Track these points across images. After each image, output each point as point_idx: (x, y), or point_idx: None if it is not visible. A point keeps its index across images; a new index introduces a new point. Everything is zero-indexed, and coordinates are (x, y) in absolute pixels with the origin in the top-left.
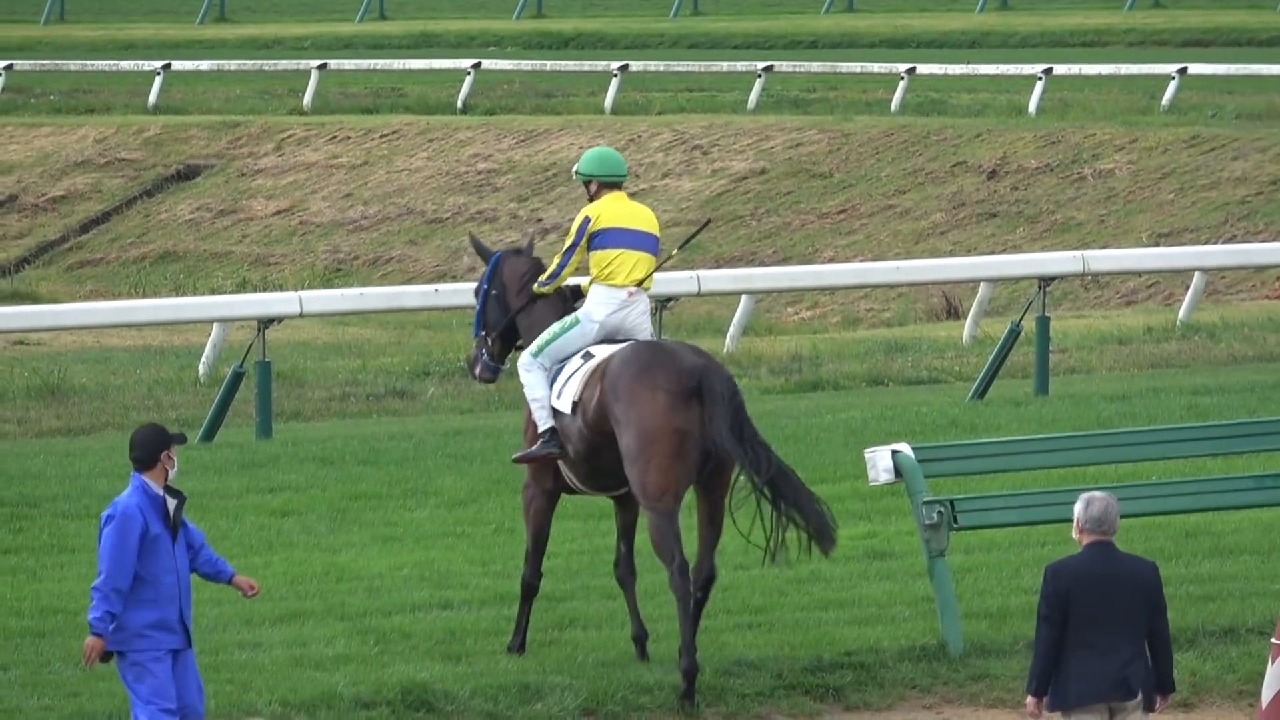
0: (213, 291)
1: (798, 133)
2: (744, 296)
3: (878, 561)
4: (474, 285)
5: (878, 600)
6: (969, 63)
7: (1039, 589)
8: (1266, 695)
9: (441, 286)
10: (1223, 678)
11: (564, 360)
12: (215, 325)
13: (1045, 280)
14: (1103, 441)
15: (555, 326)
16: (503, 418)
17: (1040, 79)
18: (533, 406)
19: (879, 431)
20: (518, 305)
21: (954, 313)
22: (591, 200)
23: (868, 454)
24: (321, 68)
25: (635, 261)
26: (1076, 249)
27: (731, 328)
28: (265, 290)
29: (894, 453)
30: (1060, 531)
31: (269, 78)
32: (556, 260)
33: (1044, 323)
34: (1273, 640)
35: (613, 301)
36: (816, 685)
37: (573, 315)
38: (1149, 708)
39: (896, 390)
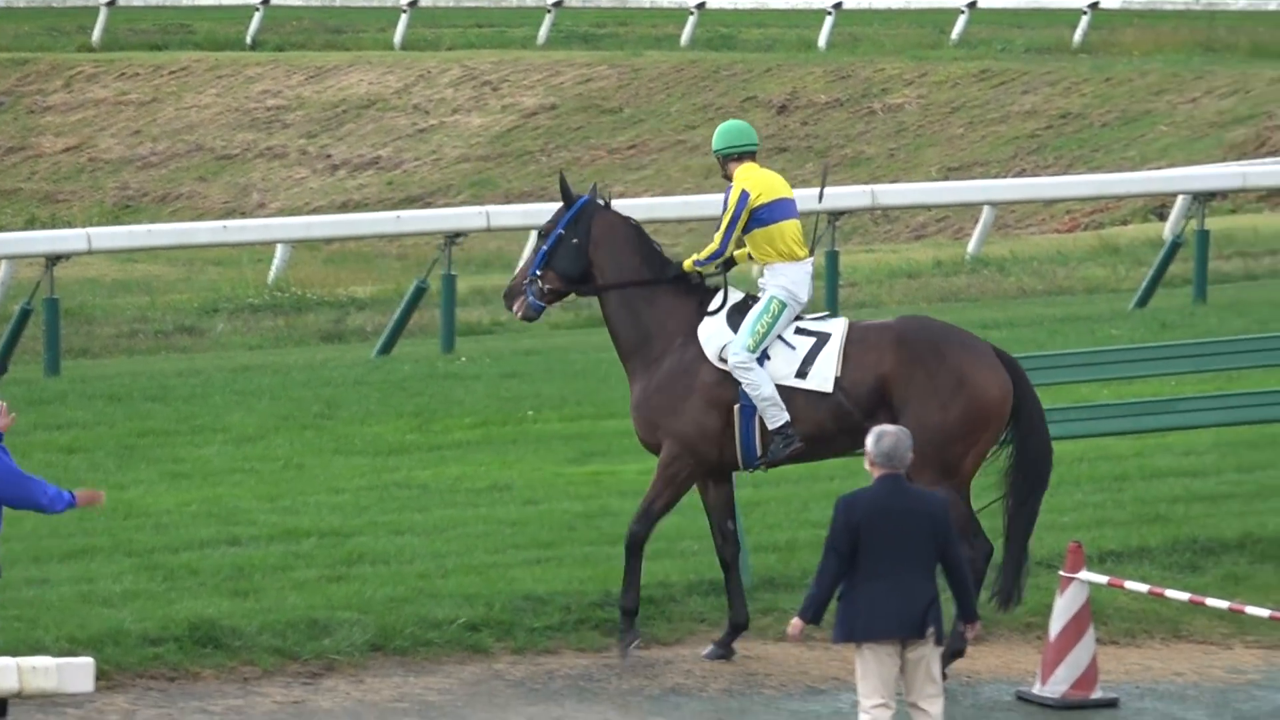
0: (0, 229)
1: (587, 68)
2: (533, 233)
3: None
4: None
5: (666, 535)
6: None
7: (828, 522)
8: (1054, 628)
9: (230, 223)
10: (1010, 610)
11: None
12: (2, 263)
13: (835, 215)
14: None
15: (764, 316)
16: (291, 354)
17: (830, 14)
18: (763, 405)
19: None
20: (606, 262)
21: None
22: (726, 175)
23: None
24: (110, 4)
25: (799, 229)
26: (866, 184)
27: (520, 263)
28: (54, 227)
29: None
30: (848, 465)
31: (57, 14)
32: (718, 239)
33: (834, 257)
34: (1060, 573)
35: (806, 275)
36: (605, 620)
37: (774, 300)
38: (939, 641)
39: None
